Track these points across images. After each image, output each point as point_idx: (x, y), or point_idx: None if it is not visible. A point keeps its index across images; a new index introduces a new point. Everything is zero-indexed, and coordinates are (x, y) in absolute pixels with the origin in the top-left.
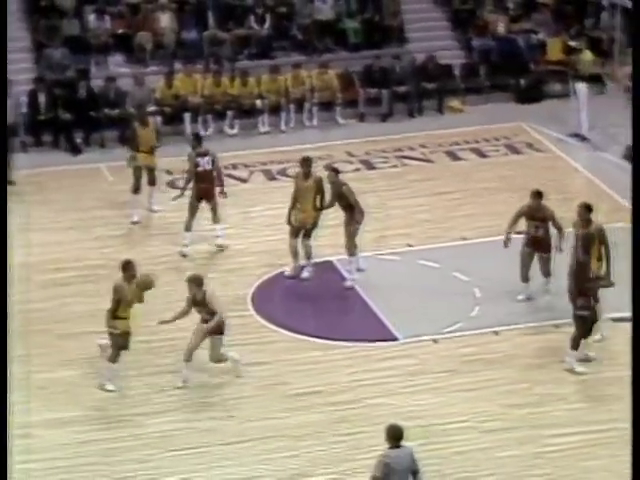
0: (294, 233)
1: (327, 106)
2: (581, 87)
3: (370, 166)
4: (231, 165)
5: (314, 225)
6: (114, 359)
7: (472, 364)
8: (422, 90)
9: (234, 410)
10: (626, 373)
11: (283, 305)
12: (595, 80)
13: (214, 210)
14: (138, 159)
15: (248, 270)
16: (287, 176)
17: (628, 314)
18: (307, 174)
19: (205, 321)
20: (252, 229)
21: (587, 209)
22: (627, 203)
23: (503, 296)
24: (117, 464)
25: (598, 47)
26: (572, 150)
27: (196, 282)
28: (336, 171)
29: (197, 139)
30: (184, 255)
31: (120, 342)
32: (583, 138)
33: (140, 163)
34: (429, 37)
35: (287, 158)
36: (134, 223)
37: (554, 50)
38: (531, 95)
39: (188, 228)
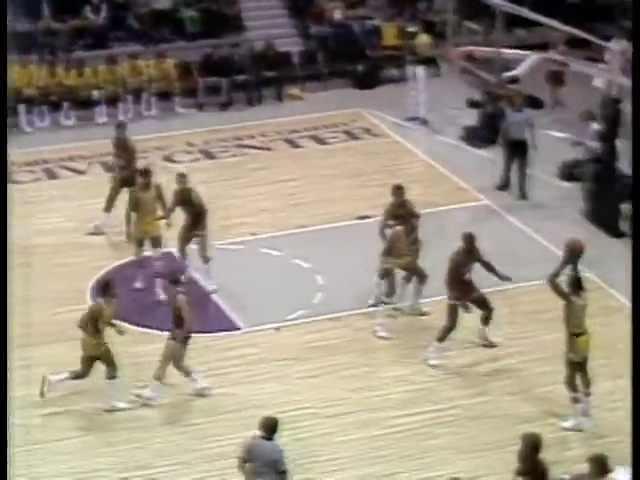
0: (139, 244)
1: (165, 96)
2: (419, 70)
3: (210, 156)
4: (68, 157)
5: (159, 234)
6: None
7: (314, 350)
8: (261, 78)
9: (74, 404)
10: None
11: (123, 298)
12: (430, 63)
13: None
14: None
15: (87, 263)
16: None
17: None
18: (147, 185)
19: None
20: (90, 222)
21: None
22: (465, 184)
23: (344, 282)
24: None
25: (432, 30)
26: (410, 134)
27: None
28: (183, 176)
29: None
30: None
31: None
32: (423, 121)
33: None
34: (267, 25)
35: None
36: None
37: (389, 35)
38: (368, 81)
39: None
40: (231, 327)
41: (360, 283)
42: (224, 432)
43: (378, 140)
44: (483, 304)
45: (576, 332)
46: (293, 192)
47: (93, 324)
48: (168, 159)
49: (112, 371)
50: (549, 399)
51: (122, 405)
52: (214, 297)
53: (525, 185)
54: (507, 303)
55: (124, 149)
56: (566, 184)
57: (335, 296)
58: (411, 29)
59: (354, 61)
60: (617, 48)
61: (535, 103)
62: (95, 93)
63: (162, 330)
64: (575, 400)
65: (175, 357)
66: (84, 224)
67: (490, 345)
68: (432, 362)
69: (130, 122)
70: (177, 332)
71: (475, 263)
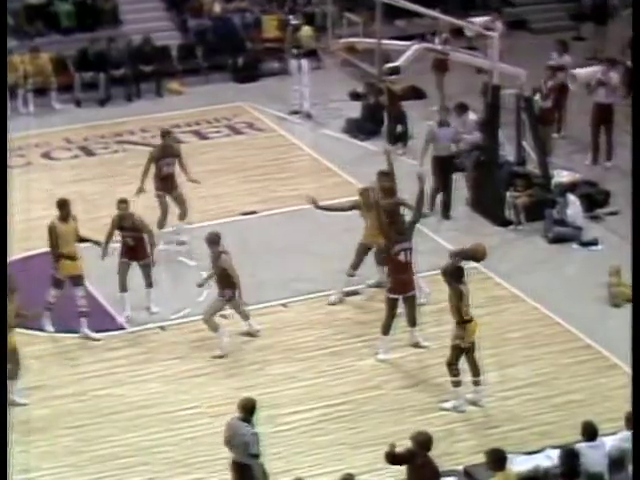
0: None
1: (42, 92)
2: (303, 63)
3: (90, 152)
4: None
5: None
6: None
7: (201, 349)
8: (139, 73)
9: None
10: (357, 345)
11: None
12: (312, 55)
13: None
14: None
15: None
16: None
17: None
18: (66, 217)
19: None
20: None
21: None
22: (349, 177)
23: None
24: None
25: (313, 22)
26: (293, 128)
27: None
28: (125, 202)
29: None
30: None
31: None
32: (307, 115)
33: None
34: (144, 19)
35: None
36: None
37: (270, 27)
38: (249, 74)
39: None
40: (115, 327)
41: (247, 280)
42: (112, 433)
43: (262, 134)
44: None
45: (465, 319)
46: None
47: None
48: (47, 156)
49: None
50: (441, 389)
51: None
52: (98, 297)
53: (450, 204)
54: None
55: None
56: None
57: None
58: (294, 21)
59: (234, 54)
60: (495, 34)
61: (418, 94)
62: None
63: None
64: (456, 384)
65: (211, 310)
66: None
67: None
68: (380, 357)
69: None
70: (227, 291)
71: None
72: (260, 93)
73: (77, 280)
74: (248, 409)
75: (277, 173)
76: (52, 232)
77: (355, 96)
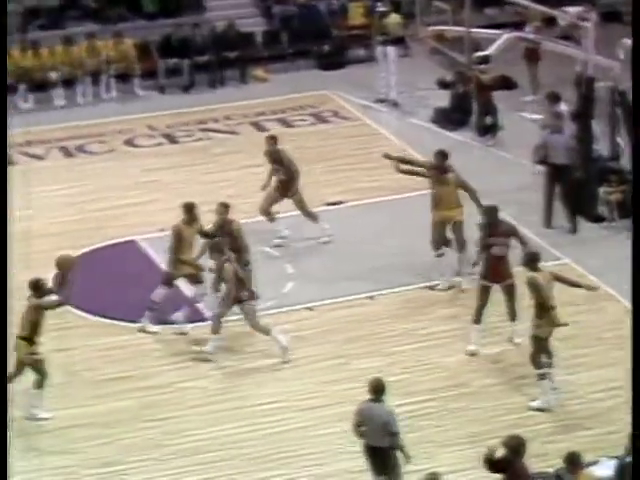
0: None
1: (125, 78)
2: (390, 51)
3: (173, 140)
4: (26, 142)
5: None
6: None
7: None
8: (223, 59)
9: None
10: (445, 341)
11: (87, 289)
12: (400, 42)
13: None
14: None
15: (47, 252)
16: (85, 152)
17: None
18: (191, 221)
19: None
20: (49, 209)
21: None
22: None
23: (315, 271)
24: None
25: (400, 9)
26: (379, 116)
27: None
28: (226, 206)
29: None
30: None
31: None
32: (394, 103)
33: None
34: (228, 5)
35: (85, 133)
36: None
37: (356, 14)
38: (334, 61)
39: None
40: (199, 318)
41: (333, 271)
42: (196, 426)
43: (347, 123)
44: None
45: (549, 306)
46: (260, 178)
47: (33, 328)
48: (129, 143)
49: (41, 379)
50: (528, 390)
51: (45, 415)
52: (182, 289)
53: (574, 217)
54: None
55: (279, 161)
56: (540, 168)
57: (306, 285)
58: (380, 8)
59: (319, 41)
60: (590, 25)
61: (508, 84)
62: (52, 75)
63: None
64: (542, 377)
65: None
66: (44, 212)
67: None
68: (470, 347)
69: (89, 105)
70: (245, 294)
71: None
72: (346, 81)
73: (194, 279)
74: (378, 389)
75: (362, 163)
76: (177, 236)
77: (443, 85)
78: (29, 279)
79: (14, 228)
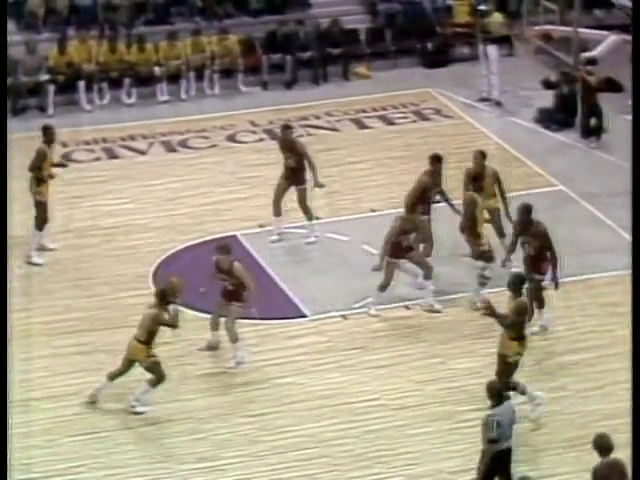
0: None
1: (228, 73)
2: (491, 50)
3: (275, 136)
4: (129, 136)
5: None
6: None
7: (383, 340)
8: (327, 56)
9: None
10: (542, 344)
11: (187, 283)
12: (504, 42)
13: None
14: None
15: (149, 247)
16: (188, 147)
17: None
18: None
19: (228, 292)
20: (152, 203)
21: (482, 155)
22: (539, 168)
23: (413, 269)
24: (15, 450)
25: (505, 8)
26: (481, 115)
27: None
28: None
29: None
30: None
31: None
32: (496, 103)
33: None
34: (333, 2)
35: (188, 128)
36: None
37: (460, 12)
38: (438, 59)
39: None
40: (297, 314)
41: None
42: (293, 423)
43: (449, 121)
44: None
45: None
46: (362, 175)
47: (151, 331)
48: (231, 139)
49: (156, 381)
50: (625, 396)
51: (142, 409)
52: (280, 284)
53: None
54: (585, 294)
55: (291, 150)
56: None
57: (404, 283)
58: (482, 7)
59: (423, 39)
60: None
61: (614, 86)
62: (156, 70)
63: None
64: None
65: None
66: (145, 206)
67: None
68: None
69: (192, 100)
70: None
71: None
72: (449, 79)
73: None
74: (498, 392)
75: (464, 162)
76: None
77: (548, 85)
78: (156, 288)
79: (114, 221)
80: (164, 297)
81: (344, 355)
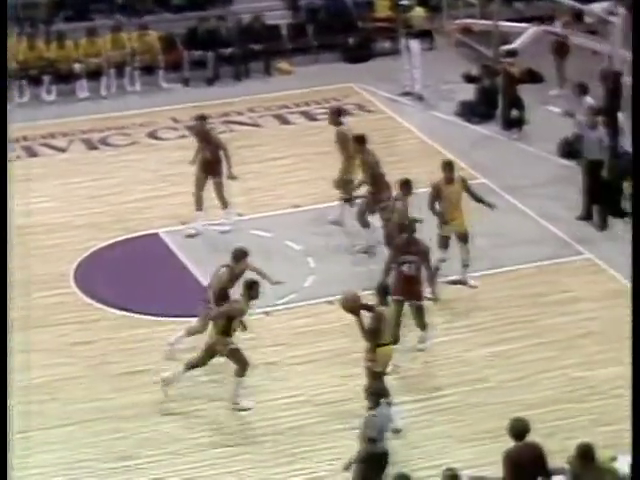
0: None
1: (149, 70)
2: (413, 44)
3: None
4: (49, 134)
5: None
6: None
7: (306, 336)
8: (248, 52)
9: (59, 392)
10: (467, 335)
11: (107, 281)
12: (425, 36)
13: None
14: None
15: (70, 245)
16: (108, 145)
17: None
18: (451, 179)
19: None
20: (73, 202)
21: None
22: (461, 161)
23: (337, 264)
24: None
25: (426, 2)
26: (404, 110)
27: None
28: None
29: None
30: None
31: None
32: (419, 97)
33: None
34: None
35: (108, 125)
36: None
37: (382, 7)
38: (360, 54)
39: None
40: None
41: (353, 265)
42: (215, 420)
43: (371, 116)
44: None
45: (382, 342)
46: (285, 171)
47: (227, 322)
48: (153, 136)
49: (242, 369)
50: (550, 385)
51: (249, 404)
52: (202, 281)
53: (605, 214)
54: (510, 285)
55: (207, 141)
56: (565, 162)
57: (327, 279)
58: (404, 2)
59: (345, 34)
60: (618, 20)
61: (535, 77)
62: (76, 67)
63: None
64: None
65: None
66: (66, 204)
67: None
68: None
69: (113, 97)
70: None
71: None
72: (371, 74)
73: (463, 237)
74: (378, 394)
75: (387, 156)
76: (436, 193)
77: (469, 78)
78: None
79: (35, 220)
80: (249, 288)
81: (266, 352)
